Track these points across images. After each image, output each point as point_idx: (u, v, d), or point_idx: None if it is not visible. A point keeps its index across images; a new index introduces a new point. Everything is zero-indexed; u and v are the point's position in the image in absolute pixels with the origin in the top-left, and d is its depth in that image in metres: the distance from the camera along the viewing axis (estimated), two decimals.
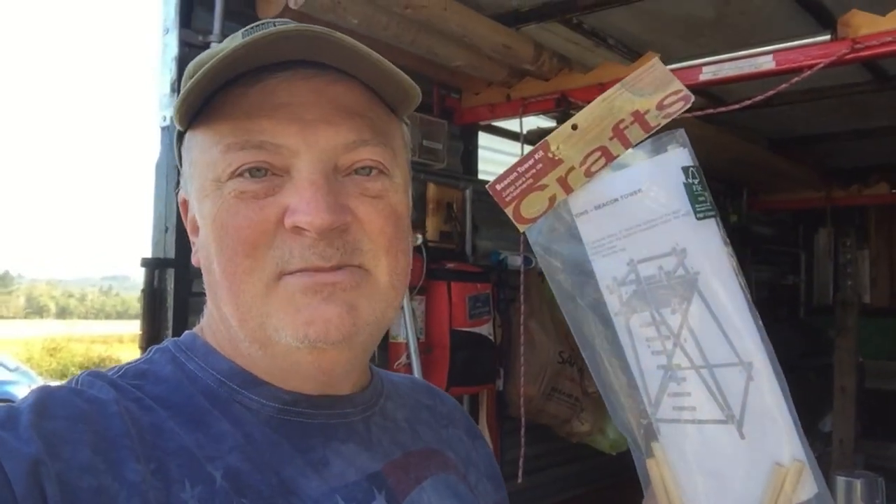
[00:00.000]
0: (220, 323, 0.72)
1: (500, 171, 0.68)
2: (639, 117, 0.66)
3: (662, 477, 0.66)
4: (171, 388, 0.69)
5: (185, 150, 0.73)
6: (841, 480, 1.70)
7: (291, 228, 0.65)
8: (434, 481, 0.77)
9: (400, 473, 0.74)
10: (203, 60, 0.69)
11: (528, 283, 3.15)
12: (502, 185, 0.67)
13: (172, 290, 2.32)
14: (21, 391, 10.23)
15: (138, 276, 2.48)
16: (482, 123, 3.51)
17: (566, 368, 3.35)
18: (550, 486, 3.72)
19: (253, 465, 0.65)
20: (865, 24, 2.37)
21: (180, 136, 0.73)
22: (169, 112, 2.31)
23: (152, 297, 2.33)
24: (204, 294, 0.74)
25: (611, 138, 0.66)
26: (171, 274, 2.34)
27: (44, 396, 0.63)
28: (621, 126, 0.66)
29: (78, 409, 0.62)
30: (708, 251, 0.64)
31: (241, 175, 0.66)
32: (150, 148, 2.43)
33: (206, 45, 2.20)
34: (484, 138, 3.66)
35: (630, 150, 0.66)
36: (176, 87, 2.29)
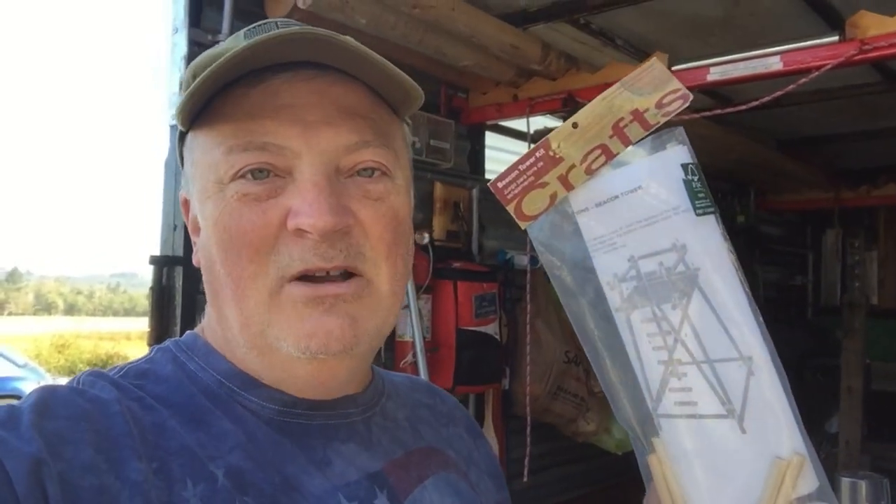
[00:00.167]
0: (217, 324, 0.72)
1: None
2: (638, 116, 0.66)
3: (664, 472, 0.66)
4: (173, 387, 0.69)
5: (186, 150, 0.72)
6: (845, 481, 1.69)
7: (294, 231, 0.65)
8: (435, 480, 0.77)
9: (401, 472, 0.74)
10: (205, 62, 0.68)
11: (534, 282, 3.15)
12: (504, 182, 0.68)
13: (180, 287, 2.34)
14: (29, 387, 10.24)
15: (146, 273, 2.50)
16: (489, 123, 3.52)
17: (572, 368, 3.35)
18: (556, 485, 3.72)
19: (255, 463, 0.65)
20: (874, 25, 2.36)
21: (182, 136, 0.73)
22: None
23: (160, 294, 2.35)
24: None
25: (611, 136, 0.66)
26: (179, 271, 2.35)
27: (45, 396, 0.63)
28: (621, 124, 0.66)
29: (79, 409, 0.62)
30: (708, 247, 0.65)
31: (243, 177, 0.66)
32: (159, 146, 2.44)
33: (216, 45, 2.21)
34: (491, 138, 3.66)
35: (630, 148, 0.66)
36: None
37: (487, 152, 3.61)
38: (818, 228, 6.34)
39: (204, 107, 0.68)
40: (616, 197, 0.66)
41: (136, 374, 0.69)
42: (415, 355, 2.78)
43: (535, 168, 0.67)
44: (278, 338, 0.66)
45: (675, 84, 0.66)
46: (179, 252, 2.35)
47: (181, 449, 0.63)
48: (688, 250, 0.64)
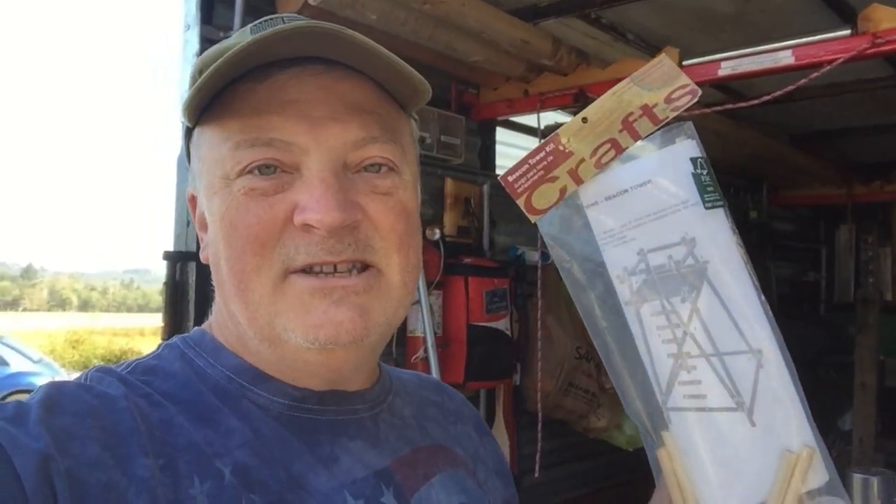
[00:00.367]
0: (228, 319, 0.72)
1: None
2: (647, 110, 0.66)
3: (673, 465, 0.66)
4: (180, 384, 0.69)
5: (193, 146, 0.73)
6: (857, 478, 1.69)
7: (301, 226, 0.64)
8: (442, 477, 0.77)
9: (408, 470, 0.74)
10: (212, 57, 0.68)
11: (545, 278, 3.15)
12: (514, 176, 0.68)
13: (194, 283, 2.35)
14: (44, 382, 10.35)
15: (159, 269, 2.52)
16: (500, 119, 3.51)
17: (583, 364, 3.35)
18: (567, 481, 3.72)
19: (262, 460, 0.65)
20: (886, 19, 2.34)
21: (188, 132, 0.73)
22: None
23: (174, 289, 2.36)
24: None
25: (620, 131, 0.67)
26: (192, 267, 2.37)
27: (53, 392, 0.62)
28: (630, 119, 0.66)
29: (87, 405, 0.62)
30: (717, 240, 0.65)
31: (250, 172, 0.66)
32: (172, 142, 2.46)
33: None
34: (502, 133, 3.66)
35: (639, 143, 0.67)
36: None
37: (498, 148, 3.61)
38: (831, 224, 6.30)
39: (210, 102, 0.68)
40: (625, 191, 0.67)
41: (144, 370, 0.69)
42: (426, 351, 2.79)
43: (545, 162, 0.67)
44: (286, 328, 0.66)
45: (684, 80, 0.66)
46: (193, 248, 2.37)
47: (188, 445, 0.63)
48: (697, 244, 0.65)
